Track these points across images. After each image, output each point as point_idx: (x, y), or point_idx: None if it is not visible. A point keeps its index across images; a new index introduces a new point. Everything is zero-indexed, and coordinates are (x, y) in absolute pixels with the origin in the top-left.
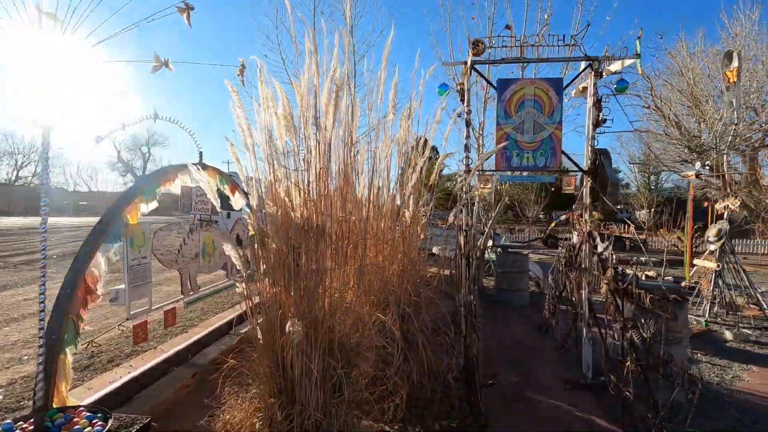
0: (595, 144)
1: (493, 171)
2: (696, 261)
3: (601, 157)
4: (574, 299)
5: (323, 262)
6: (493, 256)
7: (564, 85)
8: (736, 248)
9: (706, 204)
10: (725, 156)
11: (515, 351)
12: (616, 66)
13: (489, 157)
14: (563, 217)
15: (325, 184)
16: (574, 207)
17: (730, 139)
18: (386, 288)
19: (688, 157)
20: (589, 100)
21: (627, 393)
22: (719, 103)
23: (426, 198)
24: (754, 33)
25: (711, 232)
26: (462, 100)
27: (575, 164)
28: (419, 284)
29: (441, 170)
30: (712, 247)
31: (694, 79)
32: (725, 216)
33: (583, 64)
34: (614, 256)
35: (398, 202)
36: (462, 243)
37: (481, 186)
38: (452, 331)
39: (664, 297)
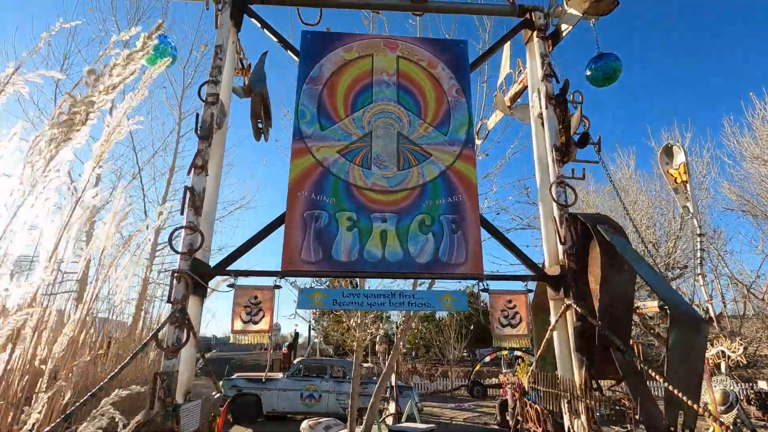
0: (567, 200)
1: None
2: None
3: (597, 231)
4: None
5: None
6: None
7: (474, 60)
8: None
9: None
10: (700, 278)
11: None
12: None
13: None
14: (488, 358)
15: None
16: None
17: (700, 254)
18: None
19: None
20: (541, 93)
21: None
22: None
23: None
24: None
25: (714, 396)
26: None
27: (523, 259)
28: None
29: None
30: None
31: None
32: (724, 368)
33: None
34: None
35: None
36: None
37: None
38: None
39: None
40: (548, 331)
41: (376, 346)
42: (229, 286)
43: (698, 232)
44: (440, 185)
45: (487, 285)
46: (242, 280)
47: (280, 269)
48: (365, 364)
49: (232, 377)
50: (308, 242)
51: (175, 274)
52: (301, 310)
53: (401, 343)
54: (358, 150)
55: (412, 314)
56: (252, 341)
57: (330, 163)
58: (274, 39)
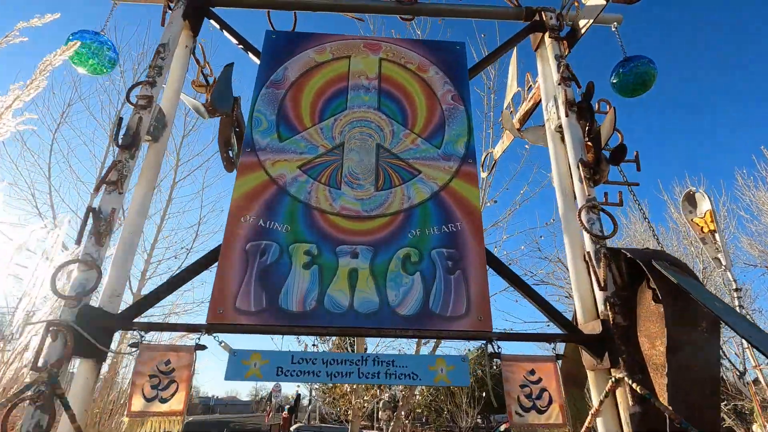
0: (603, 230)
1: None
2: None
3: (655, 269)
4: None
5: None
6: None
7: (474, 65)
8: None
9: None
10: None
11: None
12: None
13: None
14: (503, 427)
15: None
16: None
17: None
18: None
19: None
20: (559, 100)
21: None
22: None
23: None
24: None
25: None
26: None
27: (548, 311)
28: None
29: None
30: None
31: None
32: None
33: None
34: None
35: None
36: None
37: None
38: None
39: None
40: (589, 418)
41: (379, 413)
42: (131, 345)
43: (734, 287)
44: (431, 210)
45: (499, 348)
46: (152, 337)
47: (205, 322)
48: None
49: None
50: (249, 285)
51: (50, 327)
52: (231, 381)
53: (403, 414)
54: (324, 165)
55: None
56: (156, 429)
57: (287, 182)
58: (234, 41)
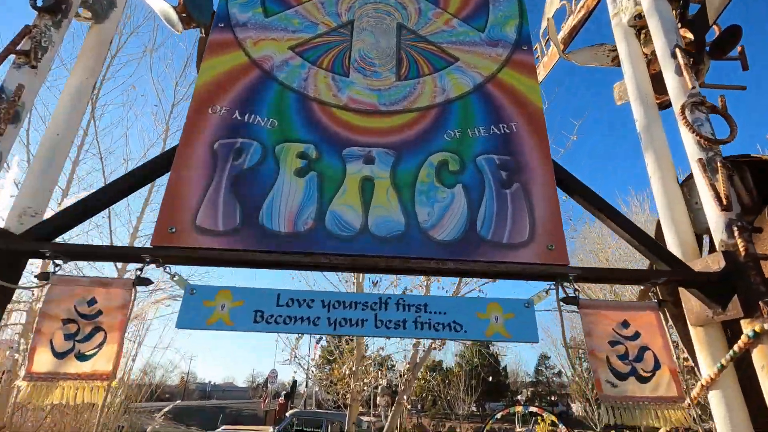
0: (712, 132)
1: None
2: None
3: None
4: None
5: None
6: None
7: None
8: None
9: None
10: None
11: None
12: None
13: None
14: (500, 415)
15: None
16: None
17: None
18: None
19: None
20: None
21: None
22: None
23: None
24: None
25: None
26: None
27: (643, 242)
28: None
29: None
30: None
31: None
32: None
33: None
34: None
35: None
36: None
37: None
38: None
39: None
40: (697, 390)
41: (378, 398)
42: (38, 277)
43: None
44: (475, 106)
45: (576, 291)
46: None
47: (150, 245)
48: (365, 418)
49: (217, 431)
50: (216, 195)
51: None
52: (187, 330)
53: (405, 398)
54: (327, 47)
55: (418, 360)
56: (70, 399)
57: (275, 65)
58: None
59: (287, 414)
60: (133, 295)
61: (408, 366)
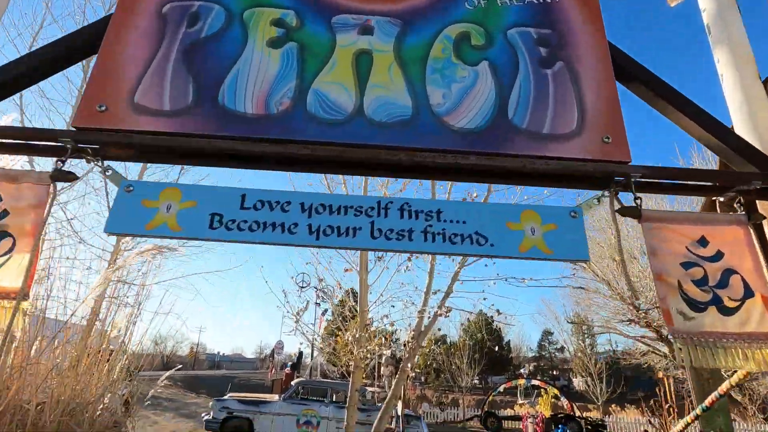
0: None
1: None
2: None
3: None
4: None
5: None
6: None
7: None
8: None
9: (662, 375)
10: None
11: None
12: None
13: None
14: (502, 387)
15: None
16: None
17: None
18: None
19: (636, 315)
20: None
21: None
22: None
23: None
24: None
25: None
26: None
27: (726, 147)
28: None
29: None
30: None
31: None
32: None
33: None
34: None
35: None
36: None
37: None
38: None
39: None
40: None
41: (382, 368)
42: None
43: None
44: None
45: (638, 199)
46: None
47: (72, 126)
48: (369, 389)
49: (224, 398)
50: (162, 68)
51: None
52: (119, 235)
53: (409, 366)
54: None
55: (423, 329)
56: None
57: None
58: None
59: (292, 383)
60: (51, 192)
61: (412, 333)
